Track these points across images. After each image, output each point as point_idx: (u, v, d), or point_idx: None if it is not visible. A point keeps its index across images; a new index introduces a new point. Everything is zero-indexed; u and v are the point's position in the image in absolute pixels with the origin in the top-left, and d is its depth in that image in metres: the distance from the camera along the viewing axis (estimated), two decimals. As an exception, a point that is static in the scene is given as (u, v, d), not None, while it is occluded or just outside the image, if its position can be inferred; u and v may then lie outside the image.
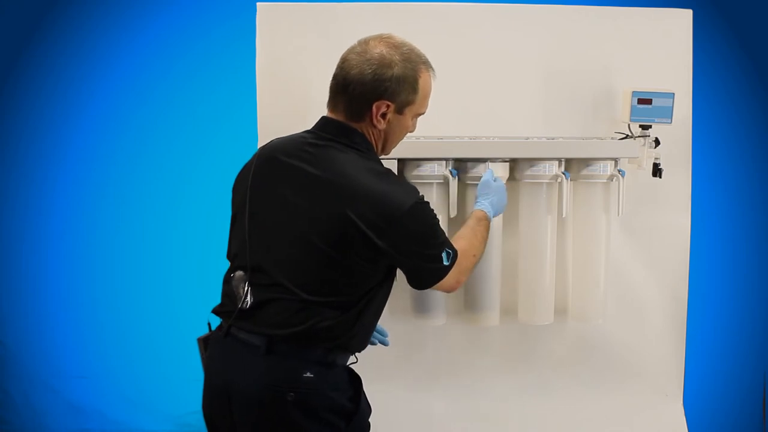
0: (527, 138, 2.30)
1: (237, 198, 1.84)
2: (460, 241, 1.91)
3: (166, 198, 3.26)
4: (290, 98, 2.34)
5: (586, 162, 2.27)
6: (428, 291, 2.23)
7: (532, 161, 2.24)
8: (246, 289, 1.74)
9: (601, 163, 2.27)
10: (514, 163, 2.26)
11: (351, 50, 1.77)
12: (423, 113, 1.85)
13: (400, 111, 1.77)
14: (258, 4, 2.34)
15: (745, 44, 3.17)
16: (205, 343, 1.86)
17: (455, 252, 1.80)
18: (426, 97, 1.82)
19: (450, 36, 2.37)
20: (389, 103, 1.74)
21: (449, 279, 1.80)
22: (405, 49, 1.76)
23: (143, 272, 3.27)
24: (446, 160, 2.20)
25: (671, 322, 2.51)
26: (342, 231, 1.66)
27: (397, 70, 1.72)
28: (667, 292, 2.50)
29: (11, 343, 3.25)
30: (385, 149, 1.85)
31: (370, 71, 1.71)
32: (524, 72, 2.41)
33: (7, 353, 3.25)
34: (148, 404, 3.22)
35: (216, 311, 1.84)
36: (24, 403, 3.23)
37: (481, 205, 2.05)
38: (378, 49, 1.73)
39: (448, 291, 1.88)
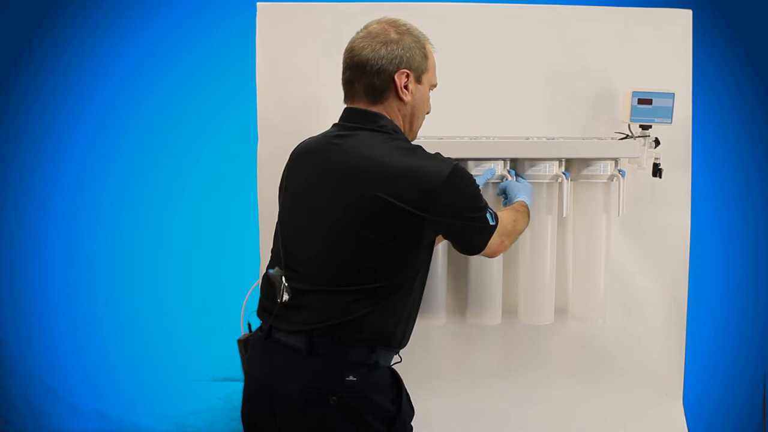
0: (527, 138, 2.30)
1: (279, 203, 1.88)
2: (504, 211, 1.96)
3: (166, 198, 3.26)
4: (290, 98, 2.34)
5: (587, 162, 2.27)
6: (428, 290, 2.23)
7: (532, 161, 2.24)
8: (282, 285, 1.74)
9: (602, 163, 2.27)
10: (515, 163, 2.27)
11: (354, 39, 1.80)
12: (436, 85, 1.88)
13: (419, 80, 1.80)
14: (258, 4, 2.34)
15: (745, 44, 3.17)
16: (245, 344, 1.86)
17: (495, 212, 1.82)
18: (434, 66, 1.86)
19: (450, 36, 2.36)
20: (408, 71, 1.76)
21: (494, 241, 1.82)
22: (402, 21, 1.81)
23: (143, 272, 3.27)
24: (446, 160, 2.20)
25: (671, 322, 2.51)
26: (380, 214, 1.65)
27: (405, 40, 1.77)
28: (667, 292, 2.50)
29: (11, 343, 3.25)
30: (413, 128, 1.85)
31: (380, 45, 1.75)
32: (524, 72, 2.41)
33: (7, 353, 3.25)
34: (148, 404, 3.22)
35: (257, 311, 1.84)
36: (24, 403, 3.23)
37: (521, 197, 2.09)
38: (380, 28, 1.78)
39: (492, 254, 1.89)
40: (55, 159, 3.25)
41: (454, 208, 1.71)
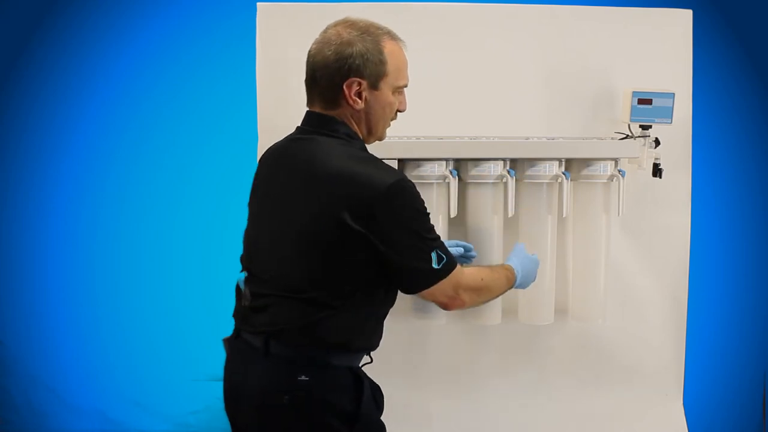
0: (527, 138, 2.30)
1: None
2: (476, 268, 1.85)
3: (166, 198, 3.25)
4: (290, 98, 2.33)
5: (587, 162, 2.27)
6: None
7: (532, 161, 2.24)
8: (246, 289, 1.76)
9: (602, 163, 2.27)
10: (515, 163, 2.26)
11: (313, 43, 1.76)
12: (405, 85, 1.78)
13: (374, 86, 1.71)
14: (258, 4, 2.34)
15: (745, 44, 3.17)
16: (229, 343, 1.86)
17: (450, 259, 1.68)
18: (400, 67, 1.75)
19: (450, 36, 2.37)
20: (359, 80, 1.69)
21: (444, 289, 1.68)
22: (362, 24, 1.73)
23: (143, 272, 3.27)
24: (446, 160, 2.20)
25: (671, 322, 2.51)
26: (323, 222, 1.62)
27: (357, 46, 1.69)
28: (667, 292, 2.50)
29: (11, 343, 3.25)
30: (373, 132, 1.77)
31: (330, 53, 1.69)
32: (524, 72, 2.41)
33: (7, 353, 3.24)
34: (148, 404, 3.22)
35: (233, 312, 1.86)
36: (24, 403, 3.23)
37: (510, 261, 1.97)
38: (335, 32, 1.72)
39: (444, 306, 1.74)
40: (55, 159, 3.25)
41: (391, 223, 1.60)
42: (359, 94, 1.71)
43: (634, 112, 2.28)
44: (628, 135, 2.33)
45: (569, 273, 2.40)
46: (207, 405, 3.21)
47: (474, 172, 2.22)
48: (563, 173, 2.24)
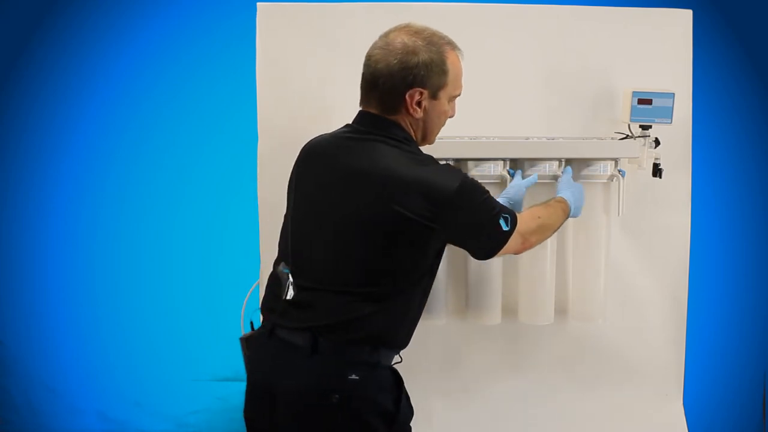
0: (527, 138, 2.30)
1: (287, 198, 1.88)
2: (529, 209, 1.95)
3: (166, 198, 3.26)
4: (290, 98, 2.34)
5: (587, 162, 2.27)
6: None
7: (532, 161, 2.24)
8: (288, 283, 1.75)
9: (602, 163, 2.27)
10: (515, 163, 2.26)
11: (374, 46, 1.77)
12: (459, 94, 1.84)
13: (434, 96, 1.75)
14: (258, 4, 2.34)
15: (745, 44, 3.17)
16: (247, 342, 1.86)
17: (513, 215, 1.78)
18: (457, 77, 1.80)
19: (450, 36, 2.36)
20: (422, 90, 1.73)
21: (513, 242, 1.80)
22: (426, 33, 1.75)
23: (143, 272, 3.27)
24: (446, 160, 2.20)
25: (671, 322, 2.51)
26: (388, 222, 1.65)
27: (422, 56, 1.71)
28: (667, 292, 2.50)
29: (11, 343, 3.25)
30: (427, 137, 1.83)
31: (395, 62, 1.71)
32: (524, 72, 2.41)
33: (7, 353, 3.25)
34: (148, 404, 3.22)
35: (261, 308, 1.85)
36: (24, 403, 3.23)
37: (562, 193, 2.08)
38: (399, 39, 1.73)
39: (517, 253, 1.88)
40: (55, 159, 3.26)
41: (463, 219, 1.70)
42: (419, 104, 1.74)
43: (634, 112, 2.28)
44: (628, 135, 2.33)
45: (569, 273, 2.40)
46: (207, 405, 3.21)
47: (474, 172, 2.22)
48: (563, 173, 2.23)
